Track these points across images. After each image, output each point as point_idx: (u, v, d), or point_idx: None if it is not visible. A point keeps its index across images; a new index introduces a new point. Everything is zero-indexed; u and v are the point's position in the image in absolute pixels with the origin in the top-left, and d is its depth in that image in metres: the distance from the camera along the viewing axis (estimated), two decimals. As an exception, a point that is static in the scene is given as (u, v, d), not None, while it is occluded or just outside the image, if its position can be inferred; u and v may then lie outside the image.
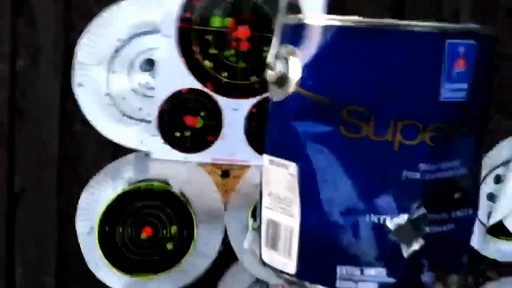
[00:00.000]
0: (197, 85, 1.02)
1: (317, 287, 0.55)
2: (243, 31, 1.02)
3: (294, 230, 0.55)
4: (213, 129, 1.04)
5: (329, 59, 0.51)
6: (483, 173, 1.22)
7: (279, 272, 0.56)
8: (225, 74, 1.03)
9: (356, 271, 0.54)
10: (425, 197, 0.53)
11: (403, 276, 0.54)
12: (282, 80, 0.52)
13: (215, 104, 1.03)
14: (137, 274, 1.05)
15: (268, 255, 0.57)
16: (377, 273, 0.54)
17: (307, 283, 0.55)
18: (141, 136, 1.02)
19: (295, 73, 0.51)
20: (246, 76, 1.04)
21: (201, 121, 1.04)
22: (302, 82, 0.51)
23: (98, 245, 1.02)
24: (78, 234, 1.02)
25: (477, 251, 1.25)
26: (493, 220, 1.24)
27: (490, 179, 1.25)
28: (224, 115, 1.04)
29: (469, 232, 0.57)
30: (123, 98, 1.00)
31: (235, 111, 1.05)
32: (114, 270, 1.04)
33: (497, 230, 1.25)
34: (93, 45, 0.98)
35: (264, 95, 1.04)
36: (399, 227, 0.53)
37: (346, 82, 0.51)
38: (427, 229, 0.54)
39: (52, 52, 0.96)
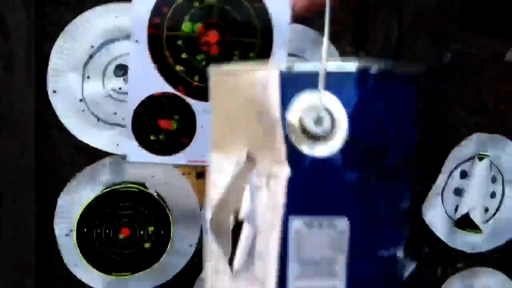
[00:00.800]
0: (169, 89, 1.02)
1: None
2: (212, 36, 1.03)
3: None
4: (187, 132, 1.05)
5: (373, 104, 0.49)
6: (450, 168, 1.24)
7: None
8: (197, 77, 1.03)
9: None
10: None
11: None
12: (327, 132, 0.48)
13: (188, 107, 1.04)
14: (116, 274, 1.05)
15: None
16: None
17: None
18: (117, 140, 1.02)
19: (343, 124, 0.48)
20: (218, 79, 1.04)
21: (175, 124, 1.04)
22: (352, 132, 0.48)
23: (76, 247, 1.02)
24: (57, 236, 1.02)
25: (446, 243, 1.26)
26: (460, 213, 1.26)
27: (456, 174, 1.26)
28: (197, 118, 1.05)
29: None
30: (97, 103, 1.00)
31: (208, 114, 1.05)
32: (93, 270, 1.04)
33: (464, 223, 1.27)
34: (67, 52, 0.98)
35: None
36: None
37: (375, 127, 0.49)
38: None
39: (25, 60, 0.95)
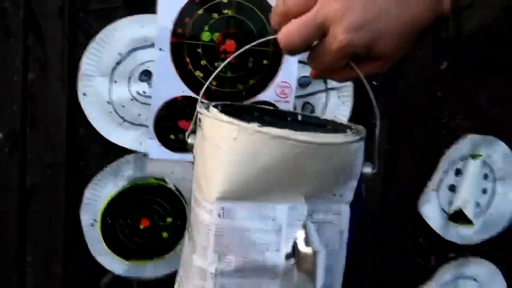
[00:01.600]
0: (189, 92, 1.09)
1: None
2: (229, 44, 1.09)
3: None
4: (204, 132, 1.11)
5: None
6: (445, 166, 1.31)
7: None
8: (215, 83, 1.09)
9: None
10: None
11: None
12: None
13: (205, 110, 1.10)
14: (135, 260, 1.12)
15: None
16: None
17: None
18: (140, 139, 1.09)
19: None
20: (234, 84, 1.11)
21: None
22: None
23: (100, 236, 1.09)
24: (82, 226, 1.09)
25: (440, 235, 1.33)
26: (454, 208, 1.33)
27: (451, 172, 1.33)
28: (214, 120, 1.11)
29: None
30: (123, 106, 1.06)
31: (223, 116, 1.11)
32: (116, 257, 1.11)
33: (457, 217, 1.33)
34: (96, 59, 1.04)
35: (249, 101, 1.12)
36: None
37: None
38: None
39: (59, 65, 1.01)
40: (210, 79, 0.78)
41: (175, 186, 1.11)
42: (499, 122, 1.33)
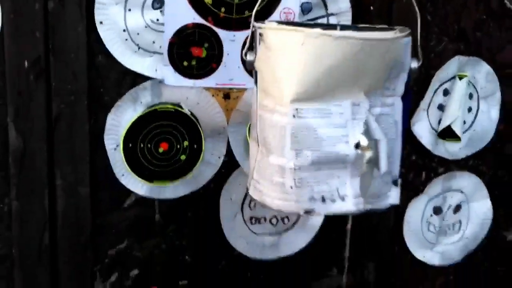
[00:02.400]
0: (200, 20, 1.11)
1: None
2: (237, -29, 1.12)
3: None
4: (215, 58, 1.14)
5: None
6: (435, 86, 1.37)
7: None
8: (223, 9, 1.12)
9: None
10: None
11: None
12: None
13: (216, 36, 1.13)
14: (156, 181, 1.16)
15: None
16: None
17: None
18: (155, 66, 1.12)
19: None
20: (241, 10, 1.14)
21: (205, 52, 1.14)
22: None
23: (123, 159, 1.13)
24: (107, 150, 1.12)
25: (430, 151, 1.41)
26: (443, 125, 1.40)
27: (440, 92, 1.39)
28: (224, 46, 1.14)
29: None
30: (138, 33, 1.09)
31: (232, 42, 1.15)
32: (138, 178, 1.15)
33: (446, 134, 1.40)
34: (111, -13, 1.05)
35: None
36: None
37: None
38: None
39: (76, -6, 1.02)
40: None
41: (190, 111, 1.15)
42: (482, 44, 1.39)
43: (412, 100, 0.77)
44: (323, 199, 0.73)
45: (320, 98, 0.70)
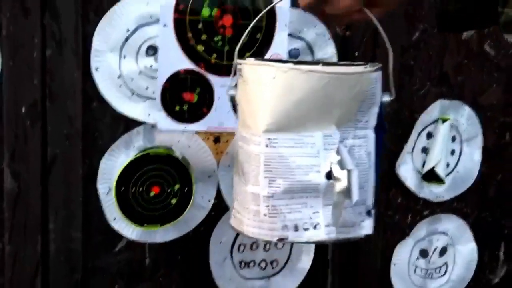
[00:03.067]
0: (192, 66, 1.15)
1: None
2: (227, 20, 1.16)
3: None
4: (207, 103, 1.18)
5: None
6: (418, 130, 1.42)
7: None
8: (214, 56, 1.17)
9: None
10: None
11: None
12: None
13: (207, 81, 1.17)
14: (147, 225, 1.18)
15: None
16: None
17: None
18: (148, 111, 1.15)
19: None
20: (231, 57, 1.17)
21: (196, 97, 1.17)
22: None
23: (115, 203, 1.14)
24: (99, 194, 1.14)
25: (415, 193, 1.44)
26: (427, 167, 1.44)
27: (423, 135, 1.44)
28: (215, 91, 1.18)
29: None
30: (132, 79, 1.12)
31: (223, 87, 1.19)
32: (129, 222, 1.16)
33: (430, 176, 1.45)
34: (106, 35, 1.09)
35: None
36: None
37: None
38: None
39: (73, 42, 1.05)
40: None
41: (181, 155, 1.17)
42: (464, 87, 1.45)
43: (386, 131, 0.81)
44: (296, 227, 0.77)
45: (292, 128, 0.75)
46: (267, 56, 1.21)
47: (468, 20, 0.69)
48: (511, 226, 1.60)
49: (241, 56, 1.17)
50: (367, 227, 0.81)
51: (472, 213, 1.55)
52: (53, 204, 1.10)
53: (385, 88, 0.80)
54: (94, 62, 1.09)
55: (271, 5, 0.82)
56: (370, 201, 0.80)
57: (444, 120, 1.44)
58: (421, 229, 1.50)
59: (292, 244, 1.32)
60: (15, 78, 1.02)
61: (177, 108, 1.16)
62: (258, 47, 1.19)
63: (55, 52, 1.05)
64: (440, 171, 1.44)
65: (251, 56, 1.18)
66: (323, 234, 0.77)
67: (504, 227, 1.59)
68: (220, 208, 1.25)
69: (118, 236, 1.17)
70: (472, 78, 1.45)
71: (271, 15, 1.19)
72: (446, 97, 1.43)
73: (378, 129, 0.79)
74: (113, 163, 1.14)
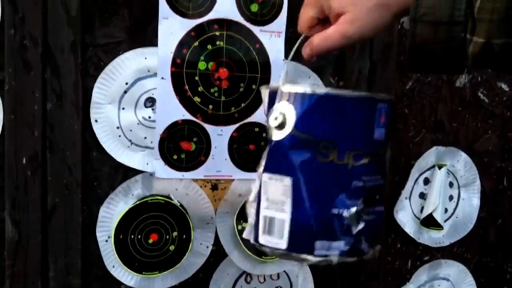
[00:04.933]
0: (189, 116, 1.18)
1: (303, 256, 0.74)
2: (223, 72, 1.20)
3: (286, 220, 0.74)
4: (204, 151, 1.20)
5: (312, 113, 0.72)
6: (415, 176, 1.43)
7: (273, 249, 0.75)
8: (211, 106, 1.20)
9: (326, 244, 0.74)
10: (364, 197, 0.74)
11: (352, 246, 0.74)
12: (282, 125, 0.72)
13: (204, 131, 1.20)
14: (145, 273, 1.19)
15: (264, 239, 0.76)
16: (338, 244, 0.74)
17: (294, 253, 0.74)
18: (146, 160, 1.17)
19: (291, 121, 0.71)
20: (228, 107, 1.21)
21: (194, 145, 1.19)
22: (296, 127, 0.71)
23: (114, 251, 1.16)
24: (98, 242, 1.15)
25: (414, 239, 1.44)
26: (425, 213, 1.44)
27: (420, 181, 1.45)
28: (212, 140, 1.21)
29: (381, 221, 0.76)
30: (131, 130, 1.15)
31: (220, 136, 1.21)
32: (128, 270, 1.17)
33: (428, 222, 1.45)
34: (106, 88, 1.12)
35: (242, 122, 1.22)
36: (351, 216, 0.73)
37: (322, 127, 0.72)
38: (365, 217, 0.72)
39: (73, 95, 1.09)
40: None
41: (179, 202, 1.19)
42: (459, 134, 1.46)
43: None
44: None
45: None
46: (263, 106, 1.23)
47: (435, 64, 0.70)
48: (514, 271, 1.58)
49: (237, 106, 1.21)
50: None
51: (473, 258, 1.54)
52: (53, 252, 1.11)
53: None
54: (93, 114, 1.12)
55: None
56: None
57: (440, 166, 1.44)
58: (422, 275, 1.49)
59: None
60: (16, 130, 1.05)
61: (175, 156, 1.18)
62: (254, 97, 1.22)
63: (56, 106, 1.08)
64: (438, 216, 1.44)
65: (247, 106, 1.22)
66: None
67: (506, 272, 1.57)
68: (219, 254, 1.25)
69: (117, 284, 1.17)
70: (467, 125, 1.46)
71: (266, 67, 1.22)
72: (442, 143, 1.44)
73: None
74: (112, 211, 1.16)
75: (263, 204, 0.76)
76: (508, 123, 1.51)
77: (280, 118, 0.71)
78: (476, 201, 1.51)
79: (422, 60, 0.69)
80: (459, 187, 1.48)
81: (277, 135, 0.72)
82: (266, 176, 0.74)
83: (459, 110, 1.45)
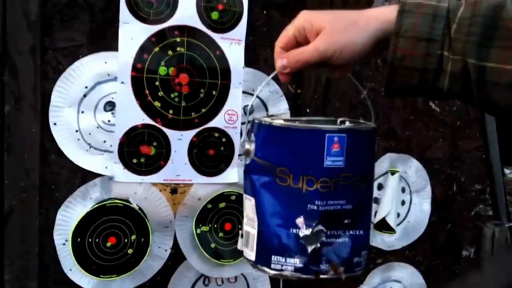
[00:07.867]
0: (149, 121, 1.16)
1: (263, 268, 0.80)
2: (183, 78, 1.18)
3: (254, 235, 0.80)
4: (163, 156, 1.18)
5: (267, 142, 0.79)
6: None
7: (248, 260, 0.82)
8: (171, 111, 1.17)
9: (282, 259, 0.79)
10: (320, 220, 0.78)
11: (307, 263, 0.78)
12: (248, 153, 0.80)
13: (164, 135, 1.17)
14: (103, 276, 1.15)
15: (245, 251, 0.83)
16: (293, 261, 0.78)
17: (259, 265, 0.80)
18: (105, 163, 1.14)
19: (252, 149, 0.79)
20: (188, 112, 1.19)
21: (153, 150, 1.17)
22: (255, 154, 0.79)
23: (72, 254, 1.12)
24: (55, 245, 1.12)
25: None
26: (378, 218, 1.45)
27: (374, 187, 1.45)
28: (172, 144, 1.18)
29: (362, 244, 0.77)
30: (90, 133, 1.12)
31: (180, 141, 1.19)
32: (85, 273, 1.14)
33: (382, 226, 1.45)
34: (65, 91, 1.09)
35: (202, 127, 1.20)
36: (306, 236, 0.78)
37: (277, 155, 0.78)
38: (324, 238, 0.78)
39: (32, 98, 1.05)
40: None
41: (138, 206, 1.16)
42: (412, 141, 1.47)
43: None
44: None
45: None
46: (222, 111, 1.22)
47: (414, 81, 0.71)
48: (462, 273, 1.59)
49: (197, 111, 1.19)
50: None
51: (424, 261, 1.55)
52: (9, 255, 1.07)
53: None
54: (52, 117, 1.09)
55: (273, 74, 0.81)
56: None
57: (393, 173, 1.45)
58: (375, 277, 1.49)
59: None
60: (-28, 133, 1.01)
61: (135, 160, 1.16)
62: (214, 103, 1.20)
63: (14, 108, 1.04)
64: (391, 221, 1.44)
65: (206, 113, 1.20)
66: None
67: (455, 274, 1.59)
68: (177, 257, 1.23)
69: (75, 287, 1.13)
70: (418, 134, 1.47)
71: (226, 74, 1.21)
72: (395, 150, 1.45)
73: None
74: (70, 215, 1.12)
75: (244, 220, 0.83)
76: (457, 132, 1.53)
77: (246, 145, 0.80)
78: (427, 206, 1.52)
79: (401, 76, 0.70)
80: (411, 193, 1.49)
81: (246, 161, 0.81)
82: (244, 196, 0.83)
83: (411, 119, 1.47)
